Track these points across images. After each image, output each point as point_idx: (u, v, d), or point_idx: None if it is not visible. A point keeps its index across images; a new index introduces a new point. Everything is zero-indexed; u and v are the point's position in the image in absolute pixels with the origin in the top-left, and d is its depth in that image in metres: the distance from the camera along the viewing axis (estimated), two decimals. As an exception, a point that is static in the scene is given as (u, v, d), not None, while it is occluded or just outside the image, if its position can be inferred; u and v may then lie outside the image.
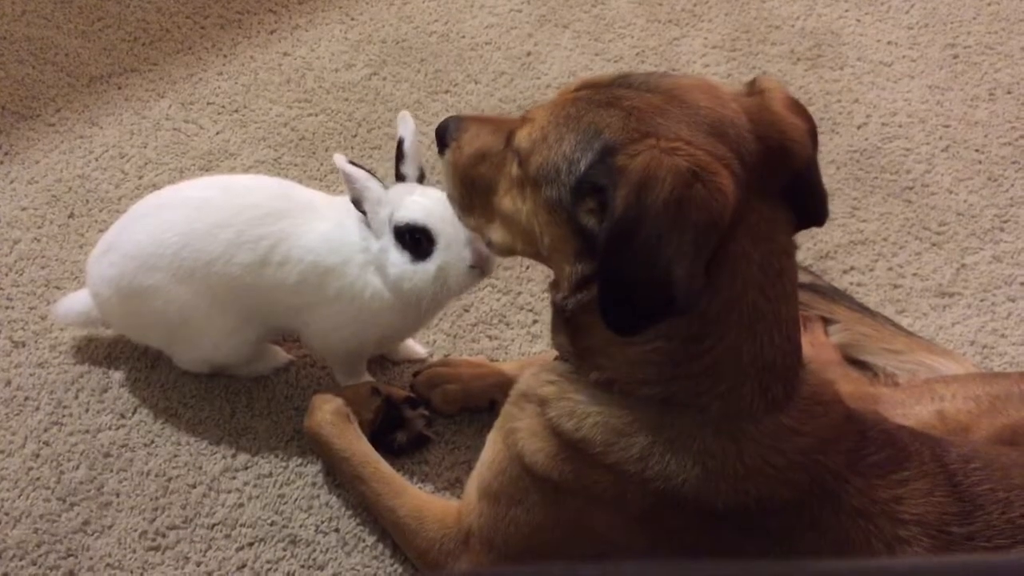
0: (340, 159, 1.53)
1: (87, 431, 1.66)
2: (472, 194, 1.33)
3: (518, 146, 1.22)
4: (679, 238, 1.04)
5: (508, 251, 1.32)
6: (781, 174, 1.14)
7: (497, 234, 1.31)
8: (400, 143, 1.57)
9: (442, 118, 2.12)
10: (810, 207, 1.18)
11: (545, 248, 1.21)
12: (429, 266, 1.50)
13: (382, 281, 1.54)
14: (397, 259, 1.52)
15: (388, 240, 1.52)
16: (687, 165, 1.06)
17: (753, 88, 1.19)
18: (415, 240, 1.50)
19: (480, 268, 1.51)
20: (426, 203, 1.50)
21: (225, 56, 2.28)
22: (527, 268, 1.90)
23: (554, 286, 1.24)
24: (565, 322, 1.22)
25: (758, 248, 1.12)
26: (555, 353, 1.30)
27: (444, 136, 1.35)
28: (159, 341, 1.69)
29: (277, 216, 1.56)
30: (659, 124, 1.10)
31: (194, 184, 1.68)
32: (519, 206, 1.23)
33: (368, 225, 1.54)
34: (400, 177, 1.56)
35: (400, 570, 1.53)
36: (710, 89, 1.16)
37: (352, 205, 1.53)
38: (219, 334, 1.62)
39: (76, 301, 1.70)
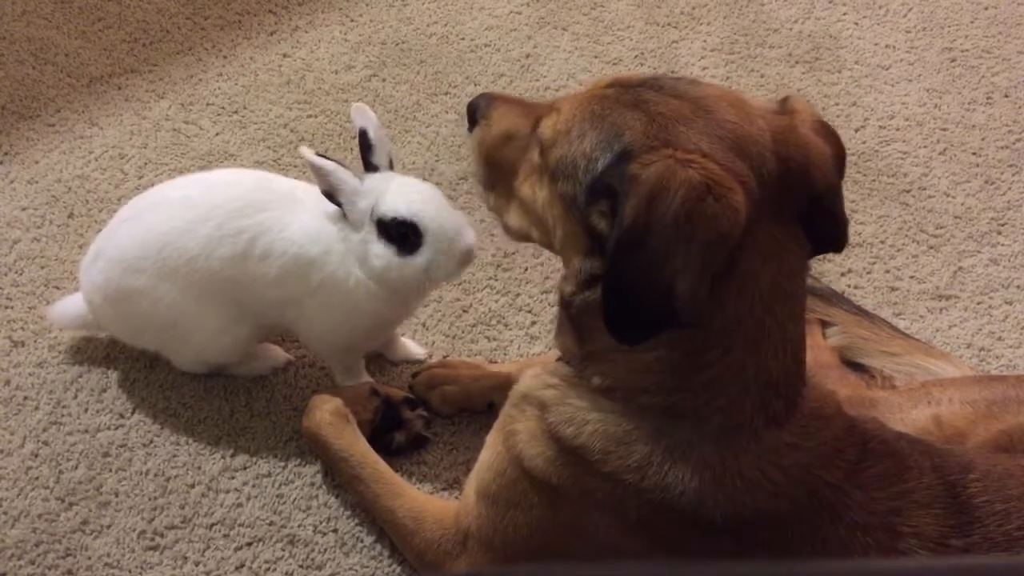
0: (307, 152, 1.50)
1: (86, 431, 1.66)
2: (495, 174, 1.33)
3: (541, 135, 1.21)
4: (686, 251, 1.04)
5: (523, 237, 1.32)
6: (799, 197, 1.14)
7: (513, 218, 1.31)
8: (364, 133, 1.55)
9: (441, 119, 2.17)
10: (828, 233, 1.18)
11: (557, 240, 1.21)
12: (418, 260, 1.49)
13: (364, 272, 1.53)
14: (382, 251, 1.50)
15: (370, 232, 1.51)
16: (700, 178, 1.05)
17: (784, 107, 1.19)
18: (401, 234, 1.48)
19: (469, 261, 1.52)
20: (411, 195, 1.49)
21: (225, 57, 2.28)
22: (526, 270, 1.91)
23: (564, 279, 1.23)
24: (570, 322, 1.22)
25: (768, 268, 1.11)
26: (556, 354, 1.30)
27: (475, 112, 1.35)
28: (153, 343, 1.68)
29: (257, 208, 1.55)
30: (680, 133, 1.09)
31: (172, 184, 1.67)
32: (536, 194, 1.23)
33: (344, 216, 1.52)
34: (371, 167, 1.55)
35: (398, 571, 1.53)
36: (738, 103, 1.15)
37: (325, 197, 1.51)
38: (209, 332, 1.61)
39: (71, 305, 1.70)
